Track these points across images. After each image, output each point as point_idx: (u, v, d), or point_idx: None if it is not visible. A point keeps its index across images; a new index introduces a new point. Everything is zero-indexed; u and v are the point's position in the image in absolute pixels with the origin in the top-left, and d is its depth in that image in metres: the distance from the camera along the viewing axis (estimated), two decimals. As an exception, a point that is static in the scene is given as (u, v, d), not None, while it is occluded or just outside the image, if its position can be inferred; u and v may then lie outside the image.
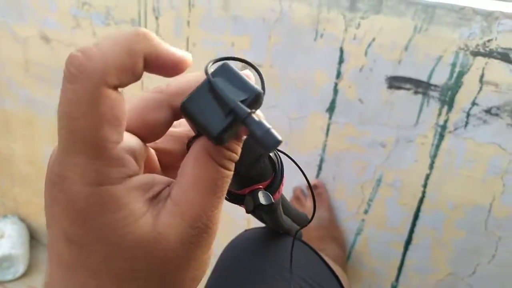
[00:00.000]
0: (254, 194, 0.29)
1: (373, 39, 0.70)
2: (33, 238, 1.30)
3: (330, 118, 0.78)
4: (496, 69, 0.64)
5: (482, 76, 0.65)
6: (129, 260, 0.20)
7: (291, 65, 0.77)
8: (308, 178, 0.36)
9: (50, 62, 1.01)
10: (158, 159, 0.26)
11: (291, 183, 0.86)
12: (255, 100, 0.21)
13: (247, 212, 0.30)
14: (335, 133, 0.78)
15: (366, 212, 0.81)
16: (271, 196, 0.30)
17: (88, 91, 0.18)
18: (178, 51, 0.21)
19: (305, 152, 0.82)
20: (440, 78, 0.68)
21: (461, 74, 0.66)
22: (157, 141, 0.24)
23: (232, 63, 0.22)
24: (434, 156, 0.72)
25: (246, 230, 0.53)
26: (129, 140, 0.21)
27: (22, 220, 1.30)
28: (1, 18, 1.03)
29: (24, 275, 1.22)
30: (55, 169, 0.20)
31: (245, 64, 0.24)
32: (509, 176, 0.68)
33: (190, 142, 0.23)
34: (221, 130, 0.20)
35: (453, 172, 0.72)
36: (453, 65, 0.66)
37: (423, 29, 0.66)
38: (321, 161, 0.81)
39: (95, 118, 0.18)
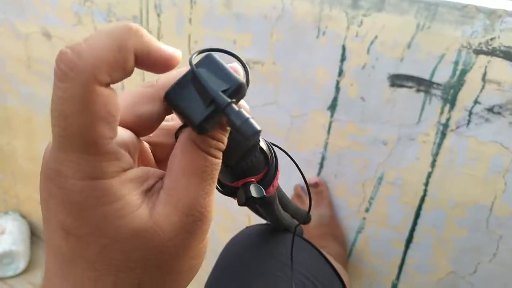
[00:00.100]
0: (246, 187, 0.30)
1: (376, 37, 0.70)
2: (34, 234, 1.30)
3: (331, 116, 0.78)
4: (499, 68, 0.64)
5: (484, 74, 0.65)
6: (126, 251, 0.20)
7: (293, 62, 0.77)
8: (310, 176, 0.36)
9: (52, 59, 1.01)
10: (152, 153, 0.26)
11: (291, 181, 0.86)
12: (236, 90, 0.21)
13: (239, 204, 0.30)
14: (336, 131, 0.78)
15: (367, 210, 0.81)
16: (263, 190, 0.30)
17: (79, 89, 0.18)
18: (168, 48, 0.21)
19: (306, 150, 0.82)
20: (443, 76, 0.68)
21: (463, 73, 0.66)
22: (150, 135, 0.24)
23: (218, 55, 0.22)
24: (436, 155, 0.72)
25: (247, 227, 0.53)
26: (123, 134, 0.21)
27: (23, 216, 1.31)
28: (3, 15, 1.03)
29: (25, 271, 1.23)
30: (51, 164, 0.20)
31: (242, 58, 0.25)
32: (511, 175, 0.68)
33: (178, 131, 0.24)
34: (202, 119, 0.21)
35: (455, 171, 0.72)
36: (456, 63, 0.66)
37: (426, 27, 0.66)
38: (323, 159, 0.81)
39: (88, 116, 0.18)
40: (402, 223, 0.79)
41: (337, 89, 0.75)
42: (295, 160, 0.36)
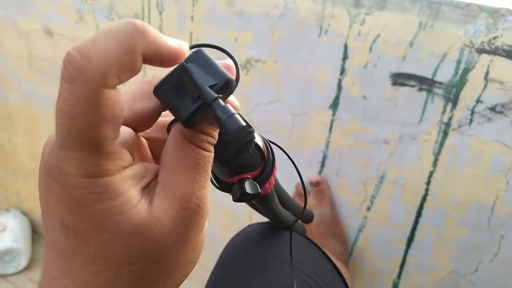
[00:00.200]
0: (241, 183, 0.30)
1: (378, 35, 0.69)
2: (35, 232, 1.30)
3: (333, 114, 0.77)
4: (501, 67, 0.64)
5: (487, 73, 0.65)
6: (126, 246, 0.21)
7: (295, 61, 0.77)
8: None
9: (54, 56, 1.01)
10: (150, 148, 0.26)
11: (293, 179, 0.86)
12: (224, 86, 0.21)
13: (234, 200, 0.31)
14: (338, 130, 0.78)
15: (368, 209, 0.81)
16: (258, 186, 0.30)
17: (87, 92, 0.18)
18: (174, 43, 0.21)
19: (308, 148, 0.82)
20: (445, 75, 0.67)
21: (466, 71, 0.66)
22: (147, 130, 0.25)
23: (208, 50, 0.23)
24: (437, 154, 0.72)
25: (249, 225, 0.53)
26: (123, 131, 0.21)
27: (25, 214, 1.31)
28: (5, 12, 1.03)
29: (26, 268, 1.23)
30: (52, 161, 0.20)
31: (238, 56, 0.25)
32: (513, 174, 0.68)
33: (170, 125, 0.24)
34: (189, 113, 0.21)
35: (457, 170, 0.72)
36: (458, 62, 0.66)
37: (428, 26, 0.66)
38: (324, 157, 0.81)
39: (94, 118, 0.18)
40: (404, 222, 0.79)
41: (339, 87, 0.75)
42: (295, 159, 0.36)
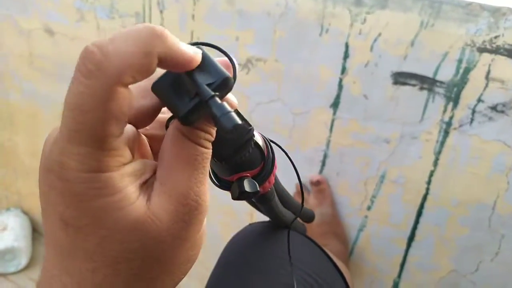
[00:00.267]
0: (240, 181, 0.30)
1: (379, 34, 0.69)
2: (35, 231, 1.30)
3: (334, 113, 0.77)
4: (503, 66, 0.63)
5: (488, 72, 0.65)
6: (124, 243, 0.21)
7: (295, 60, 0.77)
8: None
9: (54, 55, 1.01)
10: (149, 145, 0.27)
11: (294, 179, 0.86)
12: (222, 84, 0.22)
13: (233, 198, 0.31)
14: (339, 129, 0.78)
15: (369, 208, 0.81)
16: (257, 184, 0.31)
17: (102, 88, 0.18)
18: (190, 50, 0.21)
19: (308, 147, 0.82)
20: (446, 74, 0.67)
21: (467, 71, 0.66)
22: (147, 127, 0.25)
23: (207, 49, 0.23)
24: (438, 153, 0.72)
25: (250, 224, 0.53)
26: (126, 129, 0.22)
27: (25, 213, 1.31)
28: (6, 11, 1.02)
29: (27, 267, 1.23)
30: (54, 156, 0.20)
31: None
32: (514, 174, 0.68)
33: (168, 122, 0.25)
34: (187, 111, 0.21)
35: (458, 169, 0.71)
36: (459, 61, 0.66)
37: (429, 25, 0.66)
38: (325, 156, 0.81)
39: (105, 114, 0.19)
40: (404, 221, 0.79)
41: (340, 86, 0.75)
42: (295, 158, 0.36)
